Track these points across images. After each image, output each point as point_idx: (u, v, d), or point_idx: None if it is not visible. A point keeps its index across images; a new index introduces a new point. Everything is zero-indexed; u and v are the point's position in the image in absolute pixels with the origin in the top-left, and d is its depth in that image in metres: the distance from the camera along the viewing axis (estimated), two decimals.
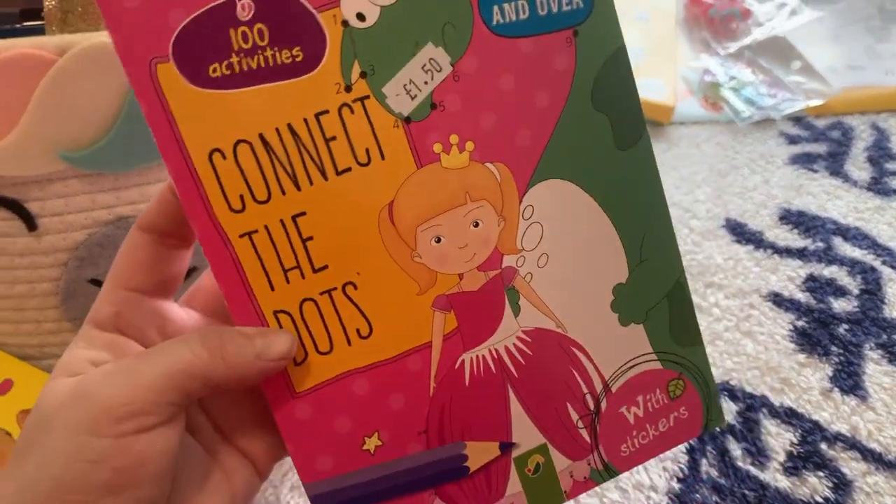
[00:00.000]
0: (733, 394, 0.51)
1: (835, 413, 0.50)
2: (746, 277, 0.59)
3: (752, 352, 0.53)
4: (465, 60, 0.28)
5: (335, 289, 0.28)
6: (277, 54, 0.26)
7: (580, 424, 0.32)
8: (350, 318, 0.28)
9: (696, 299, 0.57)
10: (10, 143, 0.37)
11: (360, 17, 0.26)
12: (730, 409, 0.50)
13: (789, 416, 0.49)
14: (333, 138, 0.27)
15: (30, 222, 0.41)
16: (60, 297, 0.44)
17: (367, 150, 0.27)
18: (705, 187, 0.67)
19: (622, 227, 0.31)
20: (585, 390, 0.32)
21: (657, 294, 0.32)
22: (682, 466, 0.47)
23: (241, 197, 0.26)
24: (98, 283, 0.44)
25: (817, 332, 0.54)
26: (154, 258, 0.28)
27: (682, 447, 0.47)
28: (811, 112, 0.78)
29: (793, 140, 0.74)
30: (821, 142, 0.74)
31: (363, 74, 0.27)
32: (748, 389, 0.51)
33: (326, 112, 0.27)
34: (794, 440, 0.48)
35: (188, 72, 0.25)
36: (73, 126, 0.37)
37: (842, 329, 0.55)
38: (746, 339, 0.54)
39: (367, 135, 0.27)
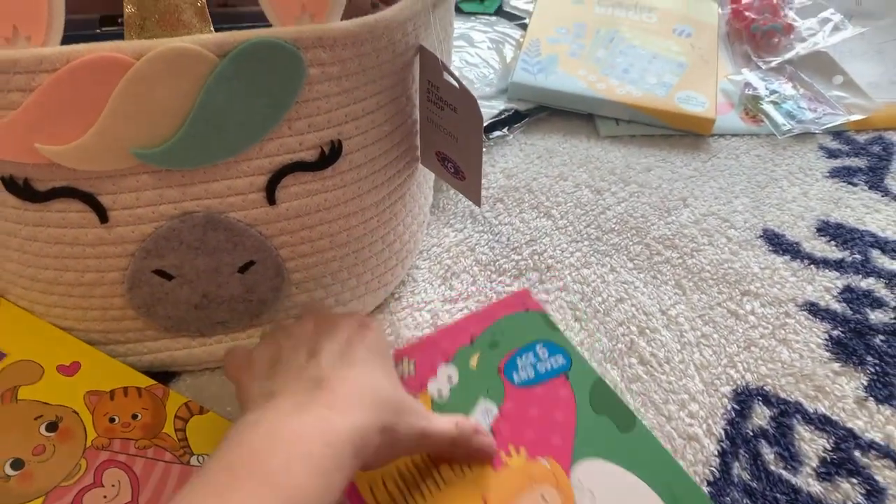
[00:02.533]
0: (767, 399, 0.52)
1: (869, 422, 0.50)
2: (783, 287, 0.59)
3: (786, 359, 0.54)
4: (505, 405, 0.49)
5: None
6: None
7: None
8: None
9: (732, 307, 0.58)
10: (87, 140, 0.40)
11: (440, 393, 0.49)
12: (764, 415, 0.51)
13: (823, 423, 0.50)
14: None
15: (102, 214, 0.44)
16: (126, 285, 0.47)
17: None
18: (743, 198, 0.68)
19: (650, 482, 0.45)
20: None
21: None
22: (714, 469, 0.48)
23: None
24: (162, 273, 0.46)
25: (853, 341, 0.55)
26: None
27: (714, 450, 0.49)
28: (852, 126, 0.78)
29: (832, 154, 0.75)
30: (861, 156, 0.74)
31: None
32: (782, 395, 0.52)
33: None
34: (828, 446, 0.49)
35: None
36: (147, 125, 0.40)
37: (878, 340, 0.55)
38: (782, 346, 0.55)
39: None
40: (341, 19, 0.42)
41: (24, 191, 0.43)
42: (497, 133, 0.75)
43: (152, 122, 0.40)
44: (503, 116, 0.76)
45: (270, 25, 0.41)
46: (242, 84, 0.40)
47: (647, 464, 0.46)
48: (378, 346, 0.43)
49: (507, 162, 0.72)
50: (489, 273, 0.61)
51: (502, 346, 0.52)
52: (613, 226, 0.65)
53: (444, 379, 0.50)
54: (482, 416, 0.48)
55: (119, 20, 0.48)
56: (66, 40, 0.40)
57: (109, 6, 0.48)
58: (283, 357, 0.41)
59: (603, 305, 0.58)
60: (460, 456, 0.45)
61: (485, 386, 0.50)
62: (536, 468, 0.45)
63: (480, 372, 0.51)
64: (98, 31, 0.48)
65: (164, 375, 0.52)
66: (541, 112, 0.79)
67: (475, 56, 0.82)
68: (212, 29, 0.41)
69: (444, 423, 0.43)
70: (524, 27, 0.88)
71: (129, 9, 0.39)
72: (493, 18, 0.91)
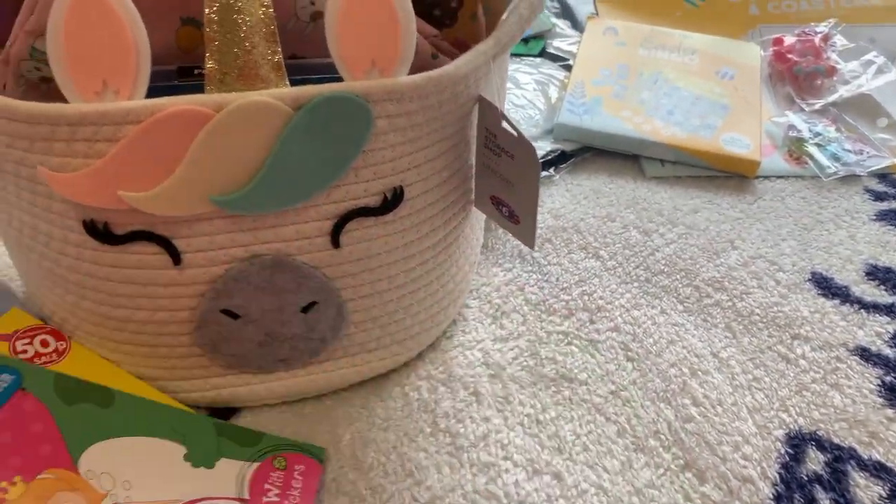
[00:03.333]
0: (821, 444, 0.52)
1: None
2: (833, 331, 0.60)
3: (839, 404, 0.54)
4: None
5: None
6: None
7: None
8: None
9: (783, 350, 0.58)
10: (166, 188, 0.42)
11: None
12: (818, 460, 0.51)
13: (878, 470, 0.50)
14: None
15: (175, 257, 0.45)
16: (195, 324, 0.48)
17: None
18: (790, 241, 0.69)
19: (157, 433, 0.48)
20: None
21: (211, 439, 0.49)
22: None
23: None
24: (229, 313, 0.48)
25: None
26: None
27: (769, 494, 0.49)
28: None
29: (879, 196, 0.75)
30: None
31: None
32: (836, 441, 0.52)
33: None
34: (884, 494, 0.49)
35: None
36: (224, 173, 0.42)
37: None
38: (834, 391, 0.55)
39: None
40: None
41: (103, 234, 0.45)
42: (544, 173, 0.76)
43: (229, 170, 0.42)
44: (549, 157, 0.77)
45: (338, 75, 0.43)
46: (315, 135, 0.42)
47: (144, 420, 0.48)
48: None
49: (554, 202, 0.73)
50: (539, 313, 0.62)
51: None
52: (662, 268, 0.66)
53: None
54: None
55: (196, 71, 0.50)
56: (147, 91, 0.42)
57: (187, 59, 0.51)
58: None
59: (654, 347, 0.58)
60: None
61: None
62: (41, 485, 0.44)
63: None
64: (176, 82, 0.51)
65: (225, 411, 0.54)
66: (586, 152, 0.80)
67: (521, 98, 0.84)
68: (287, 83, 0.43)
69: None
70: (568, 68, 0.90)
71: (210, 64, 0.42)
72: (538, 60, 0.93)
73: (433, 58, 0.52)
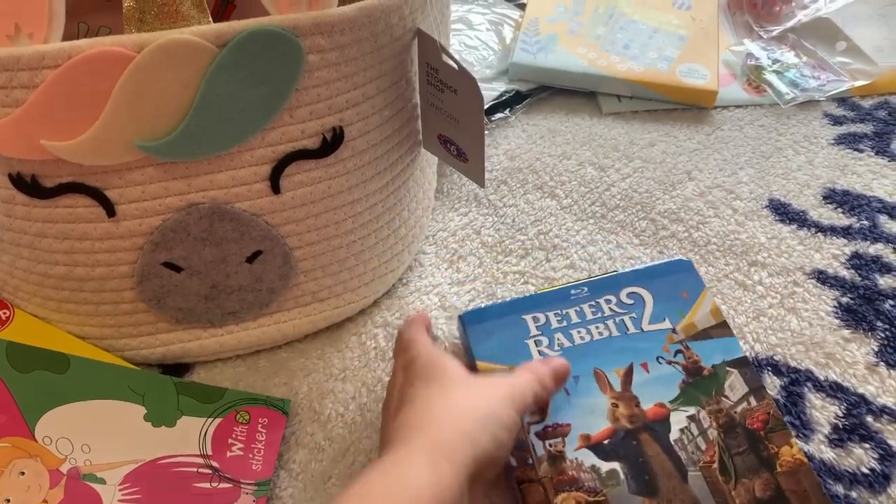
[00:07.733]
0: (777, 369, 0.52)
1: (881, 387, 0.50)
2: (790, 256, 0.59)
3: (796, 328, 0.54)
4: None
5: None
6: None
7: (213, 484, 0.46)
8: None
9: (739, 277, 0.58)
10: (92, 135, 0.40)
11: None
12: (774, 384, 0.51)
13: (834, 390, 0.50)
14: None
15: (109, 209, 0.44)
16: (136, 279, 0.47)
17: None
18: (748, 169, 0.68)
19: (115, 396, 0.47)
20: (196, 469, 0.46)
21: (171, 397, 0.48)
22: None
23: None
24: (171, 266, 0.47)
25: (862, 308, 0.55)
26: None
27: None
28: (856, 92, 0.78)
29: (837, 121, 0.74)
30: (866, 122, 0.74)
31: None
32: (792, 364, 0.52)
33: None
34: (840, 413, 0.49)
35: None
36: (150, 117, 0.40)
37: (887, 305, 0.55)
38: (790, 315, 0.55)
39: None
40: (338, 4, 0.42)
41: (31, 188, 0.43)
42: (499, 115, 0.74)
43: (155, 114, 0.40)
44: (504, 98, 0.76)
45: None
46: (243, 73, 0.40)
47: (101, 383, 0.47)
48: None
49: (509, 143, 0.72)
50: (495, 254, 0.61)
51: None
52: (618, 202, 0.65)
53: None
54: None
55: None
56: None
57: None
58: None
59: None
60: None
61: None
62: None
63: None
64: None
65: (177, 368, 0.53)
66: (542, 92, 0.78)
67: (474, 38, 0.82)
68: (210, 20, 0.41)
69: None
70: (522, 7, 0.88)
71: (127, 3, 0.40)
72: (492, 0, 0.90)
73: None
